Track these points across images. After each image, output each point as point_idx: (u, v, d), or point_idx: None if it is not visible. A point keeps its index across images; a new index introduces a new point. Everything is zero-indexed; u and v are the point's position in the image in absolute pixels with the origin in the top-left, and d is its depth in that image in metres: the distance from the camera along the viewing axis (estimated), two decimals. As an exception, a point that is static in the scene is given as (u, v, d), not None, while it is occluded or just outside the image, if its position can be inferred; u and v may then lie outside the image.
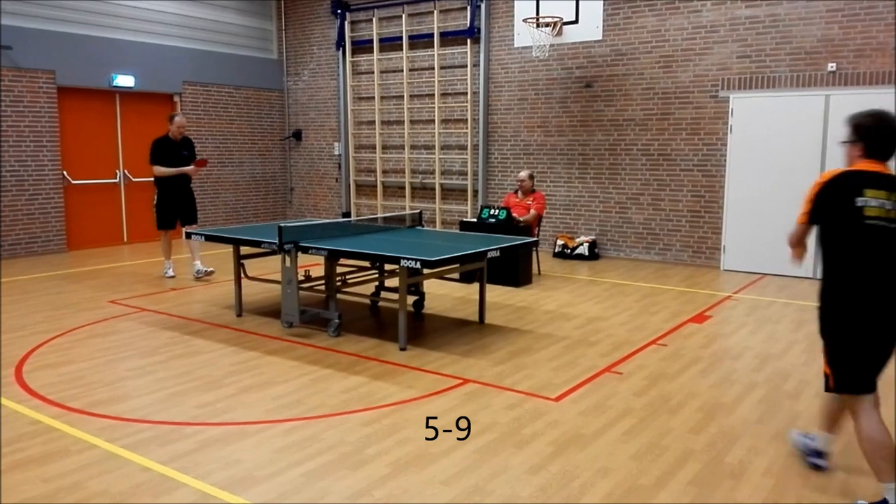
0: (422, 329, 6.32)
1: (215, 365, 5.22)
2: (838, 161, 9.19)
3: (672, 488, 3.36)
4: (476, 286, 6.78)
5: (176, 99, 11.96)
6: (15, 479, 3.41)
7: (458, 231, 8.97)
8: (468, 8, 11.02)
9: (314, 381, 4.85)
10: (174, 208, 8.52)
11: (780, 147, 8.78)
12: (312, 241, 5.98)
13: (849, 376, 3.11)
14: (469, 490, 3.32)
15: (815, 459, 3.53)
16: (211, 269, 8.58)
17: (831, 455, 3.59)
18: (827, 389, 3.25)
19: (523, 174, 8.84)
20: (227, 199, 12.72)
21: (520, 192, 8.88)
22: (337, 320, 5.95)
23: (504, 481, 3.41)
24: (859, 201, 3.02)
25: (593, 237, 10.23)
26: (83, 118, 10.87)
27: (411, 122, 11.97)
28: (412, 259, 5.18)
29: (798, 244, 3.31)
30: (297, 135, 13.54)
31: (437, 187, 11.74)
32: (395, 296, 5.89)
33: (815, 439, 3.56)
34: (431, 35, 11.47)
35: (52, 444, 3.82)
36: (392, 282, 6.59)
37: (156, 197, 8.53)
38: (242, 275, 6.74)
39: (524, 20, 9.96)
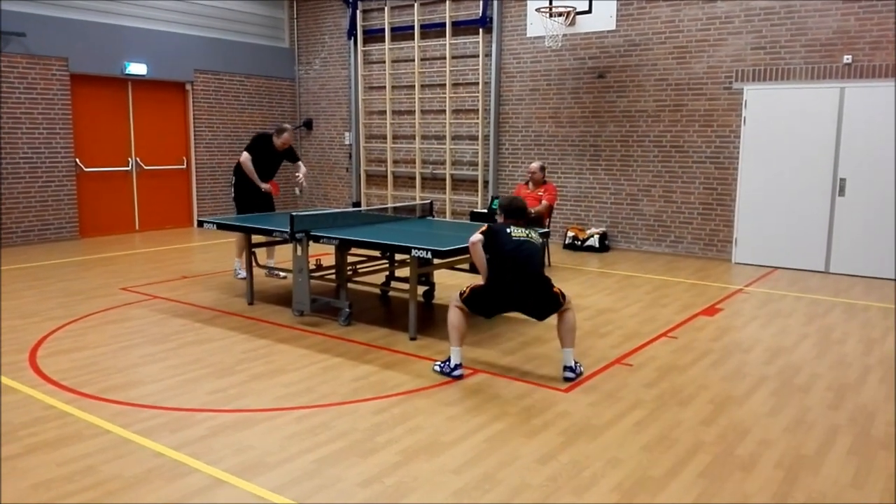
0: (432, 319, 6.34)
1: (227, 352, 5.25)
2: (853, 155, 9.03)
3: (682, 480, 3.36)
4: (486, 277, 6.77)
5: (188, 87, 11.98)
6: (29, 463, 3.44)
7: (468, 221, 8.96)
8: (480, -3, 10.98)
9: (325, 370, 4.87)
10: (253, 198, 7.87)
11: (794, 140, 8.71)
12: (323, 230, 6.00)
13: (475, 307, 4.78)
14: (479, 478, 3.33)
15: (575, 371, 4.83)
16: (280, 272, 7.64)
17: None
18: (460, 296, 4.79)
19: (535, 165, 8.81)
20: (238, 188, 12.74)
21: (531, 184, 8.86)
22: (347, 309, 5.97)
23: (514, 470, 3.42)
24: (508, 230, 4.77)
25: (604, 229, 10.20)
26: (96, 106, 10.91)
27: (422, 112, 11.95)
28: (423, 249, 5.19)
29: (475, 253, 4.74)
30: (308, 124, 13.54)
31: (448, 178, 11.72)
32: (406, 285, 5.90)
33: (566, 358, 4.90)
34: (443, 24, 11.43)
35: (66, 428, 3.86)
36: (402, 272, 6.60)
37: (233, 186, 7.98)
38: (254, 263, 6.76)
39: (537, 10, 9.90)
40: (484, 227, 4.85)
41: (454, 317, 4.80)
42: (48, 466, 3.41)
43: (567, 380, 4.70)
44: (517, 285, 4.69)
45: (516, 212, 5.06)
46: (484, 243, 4.74)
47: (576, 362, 4.78)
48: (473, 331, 5.87)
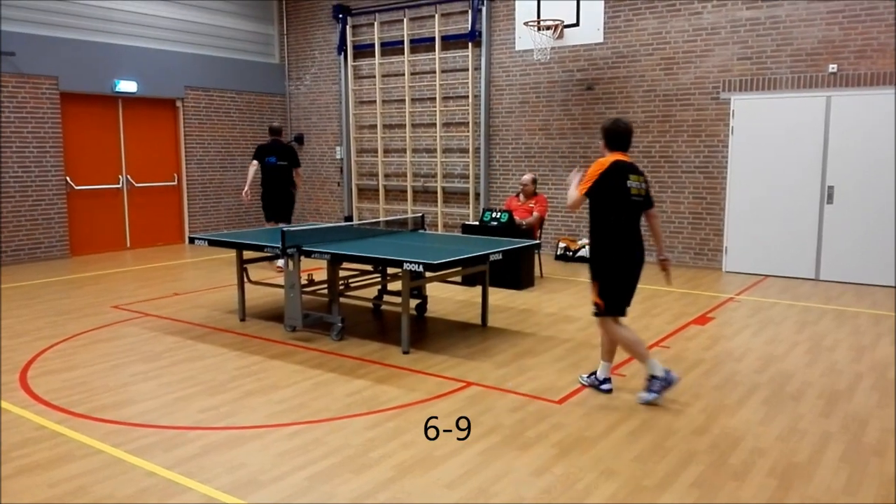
0: (425, 332, 6.33)
1: (219, 369, 5.23)
2: (841, 163, 9.10)
3: (676, 490, 3.36)
4: (478, 289, 6.79)
5: (178, 104, 11.99)
6: (21, 484, 3.42)
7: (460, 234, 8.98)
8: (469, 11, 11.04)
9: (317, 385, 4.86)
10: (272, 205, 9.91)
11: (782, 149, 8.78)
12: (315, 244, 6.00)
13: (614, 305, 4.48)
14: (473, 492, 3.33)
15: (604, 386, 4.67)
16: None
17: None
18: (597, 314, 4.51)
19: (526, 178, 8.85)
20: (229, 204, 12.75)
21: (521, 196, 8.89)
22: (340, 324, 5.96)
23: (508, 483, 3.42)
24: (628, 184, 4.31)
25: (595, 239, 10.22)
26: (86, 124, 10.90)
27: (413, 125, 11.99)
28: (415, 262, 5.19)
29: (576, 208, 4.41)
30: (300, 139, 13.55)
31: (439, 191, 11.75)
32: (398, 299, 5.90)
33: (599, 371, 4.74)
34: (433, 39, 11.49)
35: (57, 448, 3.83)
36: (395, 285, 6.60)
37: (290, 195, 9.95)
38: (245, 279, 6.75)
39: (525, 23, 9.97)
40: (607, 166, 4.23)
41: (624, 333, 4.45)
42: (40, 488, 3.39)
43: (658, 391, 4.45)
44: (635, 250, 4.35)
45: (624, 138, 4.36)
46: (598, 185, 4.22)
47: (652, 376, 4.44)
48: (465, 343, 5.88)
